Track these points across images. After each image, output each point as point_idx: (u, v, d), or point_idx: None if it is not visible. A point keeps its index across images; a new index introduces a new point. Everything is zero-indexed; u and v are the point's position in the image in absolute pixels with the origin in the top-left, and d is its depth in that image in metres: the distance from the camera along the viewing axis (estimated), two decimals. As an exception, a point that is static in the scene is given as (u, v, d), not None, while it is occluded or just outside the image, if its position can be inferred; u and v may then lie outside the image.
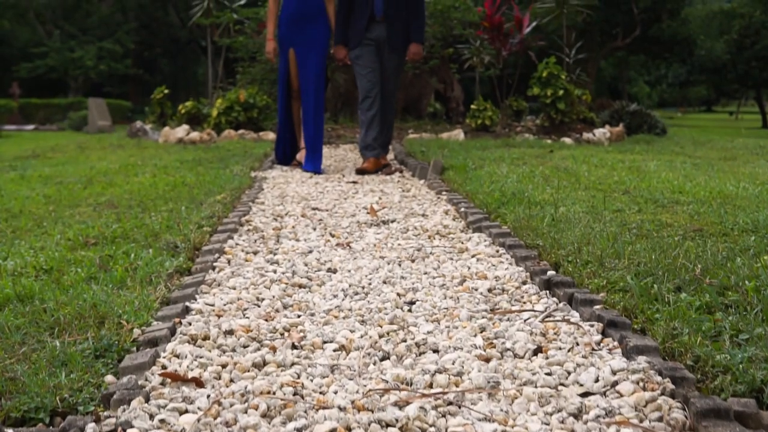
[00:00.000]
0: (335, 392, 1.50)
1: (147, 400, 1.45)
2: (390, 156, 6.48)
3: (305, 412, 1.40)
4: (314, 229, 3.31)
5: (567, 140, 8.14)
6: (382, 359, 1.71)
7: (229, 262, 2.62)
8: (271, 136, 7.86)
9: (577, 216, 3.45)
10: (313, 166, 5.69)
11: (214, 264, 2.55)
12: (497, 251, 2.81)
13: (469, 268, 2.58)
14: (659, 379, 1.52)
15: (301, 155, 5.95)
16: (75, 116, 27.78)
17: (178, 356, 1.70)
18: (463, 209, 3.65)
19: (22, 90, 43.33)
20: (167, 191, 4.49)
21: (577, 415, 1.39)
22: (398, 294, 2.26)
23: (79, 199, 4.23)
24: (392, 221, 3.53)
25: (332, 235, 3.16)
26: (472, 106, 8.33)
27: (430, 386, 1.54)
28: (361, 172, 5.62)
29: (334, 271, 2.55)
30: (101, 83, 44.66)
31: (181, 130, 8.23)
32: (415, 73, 8.85)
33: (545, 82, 8.58)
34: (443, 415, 1.40)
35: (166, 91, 9.61)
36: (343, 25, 5.71)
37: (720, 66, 48.87)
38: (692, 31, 44.91)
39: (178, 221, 3.21)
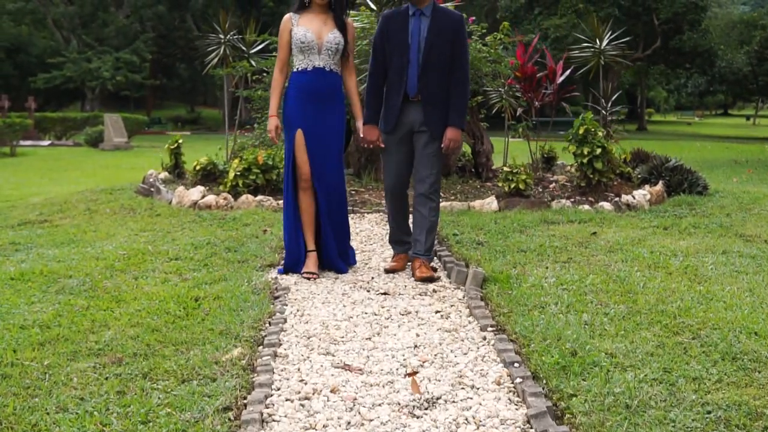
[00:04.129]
0: None
1: None
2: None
3: None
4: (349, 423, 2.82)
5: (606, 206, 7.62)
6: None
7: None
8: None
9: (653, 397, 2.96)
10: (338, 267, 5.15)
11: None
12: (575, 496, 2.31)
13: None
14: None
15: (310, 264, 5.08)
16: (91, 131, 27.58)
17: None
18: (518, 380, 3.15)
19: (38, 98, 43.36)
20: (178, 321, 4.02)
21: None
22: None
23: (79, 339, 3.76)
24: (437, 400, 3.03)
25: (370, 440, 2.68)
26: (505, 168, 7.82)
27: None
28: (390, 271, 5.16)
29: None
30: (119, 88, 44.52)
31: (196, 192, 7.77)
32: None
33: (581, 140, 8.07)
34: None
35: (180, 141, 9.16)
36: (375, 103, 5.05)
37: (741, 77, 48.25)
38: (713, 42, 44.35)
39: (188, 425, 2.73)
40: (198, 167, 8.36)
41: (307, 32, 4.94)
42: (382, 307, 4.38)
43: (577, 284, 4.66)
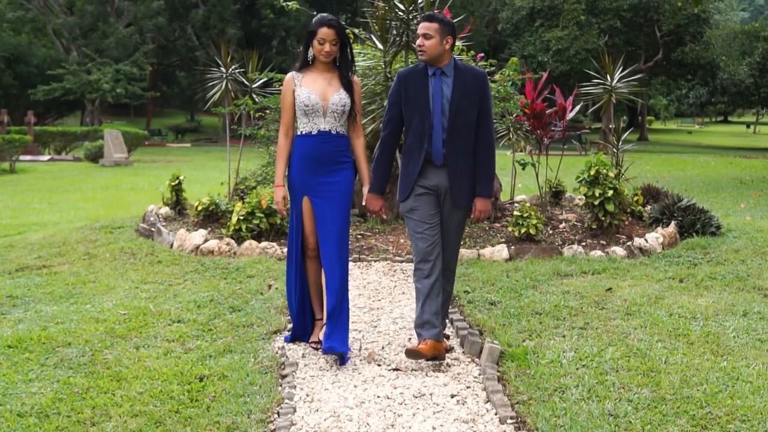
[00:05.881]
0: None
1: None
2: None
3: None
4: None
5: (618, 251, 7.44)
6: None
7: None
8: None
9: None
10: (331, 344, 4.49)
11: None
12: None
13: None
14: None
15: (318, 333, 4.85)
16: (91, 146, 27.40)
17: None
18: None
19: (38, 107, 43.24)
20: (182, 409, 3.85)
21: None
22: None
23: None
24: None
25: None
26: (515, 213, 7.65)
27: None
28: (413, 355, 4.43)
29: None
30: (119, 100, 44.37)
31: (198, 236, 7.59)
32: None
33: (592, 181, 7.90)
34: None
35: (181, 177, 8.98)
36: (383, 169, 4.68)
37: (743, 89, 48.16)
38: (715, 54, 44.27)
39: None
40: (200, 207, 8.17)
41: (310, 94, 4.65)
42: (395, 388, 4.19)
43: (597, 360, 4.48)
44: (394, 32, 7.71)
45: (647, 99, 61.80)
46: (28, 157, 26.94)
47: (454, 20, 8.55)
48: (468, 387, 4.21)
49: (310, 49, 4.72)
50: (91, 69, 40.94)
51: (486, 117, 4.56)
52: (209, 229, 8.02)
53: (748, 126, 77.32)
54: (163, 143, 44.42)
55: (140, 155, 31.70)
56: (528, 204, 9.18)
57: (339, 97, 4.70)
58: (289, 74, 4.79)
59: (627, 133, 9.10)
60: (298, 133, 4.75)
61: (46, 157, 28.46)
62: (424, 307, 4.52)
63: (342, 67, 4.78)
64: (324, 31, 4.63)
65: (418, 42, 4.54)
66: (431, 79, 4.55)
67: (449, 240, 4.66)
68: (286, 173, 4.81)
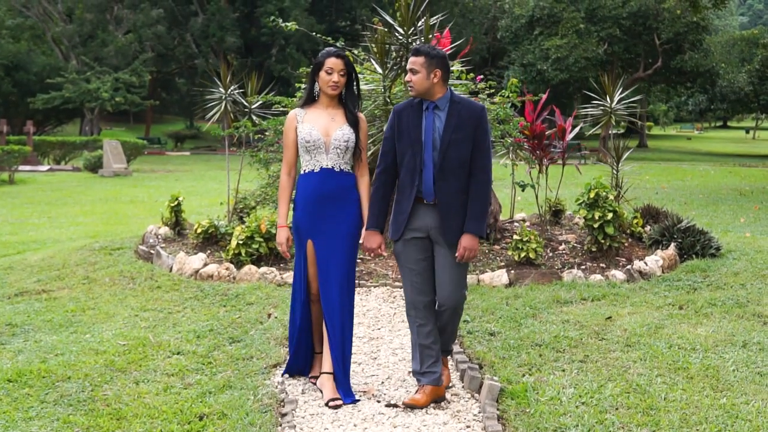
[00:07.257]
0: None
1: None
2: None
3: None
4: None
5: (618, 275, 7.45)
6: None
7: None
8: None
9: None
10: (344, 399, 4.51)
11: None
12: None
13: None
14: None
15: (318, 368, 4.75)
16: (90, 156, 27.42)
17: None
18: None
19: (37, 115, 43.27)
20: (182, 453, 3.84)
21: None
22: None
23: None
24: None
25: None
26: (515, 237, 7.65)
27: None
28: (411, 407, 4.41)
29: None
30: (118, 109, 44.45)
31: (198, 260, 7.59)
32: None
33: (592, 204, 7.91)
34: None
35: (180, 198, 8.98)
36: (379, 205, 4.47)
37: (742, 96, 48.27)
38: (715, 62, 44.34)
39: None
40: (199, 230, 8.17)
41: (312, 130, 4.52)
42: (395, 427, 4.19)
43: (596, 396, 4.48)
44: (394, 55, 7.71)
45: (646, 105, 61.89)
46: (28, 168, 26.95)
47: (457, 41, 8.61)
48: (468, 426, 4.20)
49: (316, 83, 4.64)
50: (90, 77, 40.99)
51: (481, 152, 4.37)
52: (208, 251, 8.02)
53: (747, 131, 77.57)
54: (162, 152, 44.45)
55: (139, 164, 31.74)
56: (527, 224, 9.22)
57: (342, 132, 4.58)
58: (292, 111, 4.71)
59: (628, 153, 9.07)
60: (302, 172, 4.63)
61: (46, 167, 28.47)
62: (423, 358, 4.48)
63: (348, 102, 4.67)
64: (332, 61, 4.54)
65: (406, 78, 4.45)
66: (425, 113, 4.42)
67: (446, 281, 4.44)
68: (290, 214, 4.77)
